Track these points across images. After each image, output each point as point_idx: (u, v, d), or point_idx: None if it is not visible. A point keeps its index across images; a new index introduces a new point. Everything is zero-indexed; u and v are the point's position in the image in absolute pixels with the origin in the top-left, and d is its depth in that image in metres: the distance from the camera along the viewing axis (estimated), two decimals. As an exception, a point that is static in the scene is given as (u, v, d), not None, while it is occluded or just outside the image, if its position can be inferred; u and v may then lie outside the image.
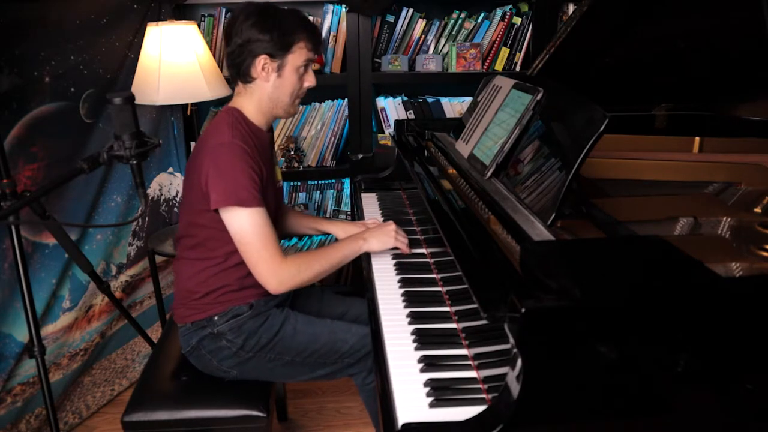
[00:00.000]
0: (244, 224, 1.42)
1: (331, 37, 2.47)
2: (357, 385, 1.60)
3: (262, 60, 1.46)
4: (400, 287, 1.42)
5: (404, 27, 2.51)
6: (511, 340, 0.86)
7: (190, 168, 1.51)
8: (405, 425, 0.95)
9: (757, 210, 1.37)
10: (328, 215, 2.73)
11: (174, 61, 1.97)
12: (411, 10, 2.49)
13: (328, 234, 1.91)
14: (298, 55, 1.48)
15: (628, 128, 1.70)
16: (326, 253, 1.53)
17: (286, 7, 1.51)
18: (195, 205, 1.48)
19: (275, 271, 1.44)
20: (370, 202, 2.02)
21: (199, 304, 1.54)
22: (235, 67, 1.50)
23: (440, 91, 2.66)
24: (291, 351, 1.54)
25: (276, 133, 2.56)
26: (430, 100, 2.60)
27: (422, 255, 1.58)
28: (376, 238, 1.56)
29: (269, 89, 1.50)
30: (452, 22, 2.52)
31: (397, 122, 2.12)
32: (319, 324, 1.58)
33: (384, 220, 1.84)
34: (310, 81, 1.54)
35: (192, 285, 1.55)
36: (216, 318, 1.53)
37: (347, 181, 2.69)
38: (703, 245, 1.20)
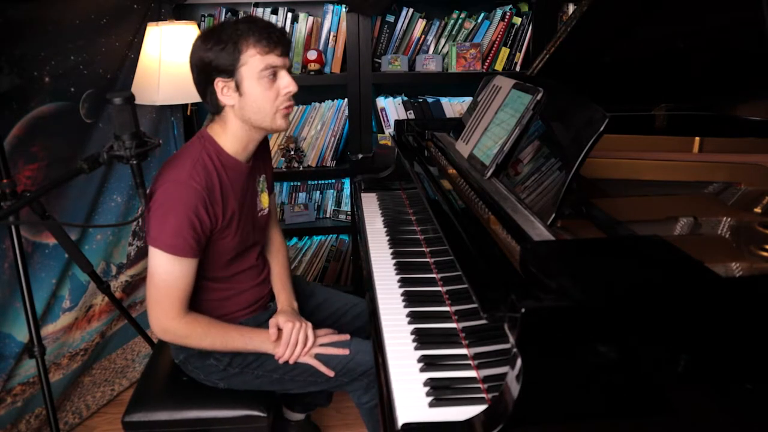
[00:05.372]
0: (159, 267, 1.36)
1: (331, 37, 2.47)
2: (354, 403, 1.57)
3: (219, 83, 1.35)
4: (400, 287, 1.42)
5: (404, 27, 2.51)
6: (511, 339, 0.86)
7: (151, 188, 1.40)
8: (405, 425, 0.95)
9: (757, 210, 1.37)
10: (328, 215, 2.74)
11: (174, 61, 1.97)
12: (411, 10, 2.49)
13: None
14: (252, 65, 1.33)
15: (628, 128, 1.70)
16: (231, 335, 1.46)
17: (242, 17, 1.41)
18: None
19: (166, 323, 1.40)
20: (370, 202, 2.02)
21: None
22: (203, 99, 1.41)
23: (440, 91, 2.66)
24: (279, 369, 1.51)
25: (276, 133, 2.56)
26: (430, 100, 2.60)
27: (422, 255, 1.58)
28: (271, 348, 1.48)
29: (238, 112, 1.38)
30: (452, 22, 2.52)
31: (397, 122, 2.12)
32: None
33: (383, 221, 1.84)
34: (286, 86, 1.37)
35: None
36: None
37: (347, 181, 2.69)
38: (703, 245, 1.20)
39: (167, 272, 1.36)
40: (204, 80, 1.38)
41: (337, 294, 1.79)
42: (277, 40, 1.35)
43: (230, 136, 1.43)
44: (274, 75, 1.36)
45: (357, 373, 1.49)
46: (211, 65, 1.34)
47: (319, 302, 1.75)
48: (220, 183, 1.40)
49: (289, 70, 1.40)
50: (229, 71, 1.34)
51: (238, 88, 1.35)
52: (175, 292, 1.38)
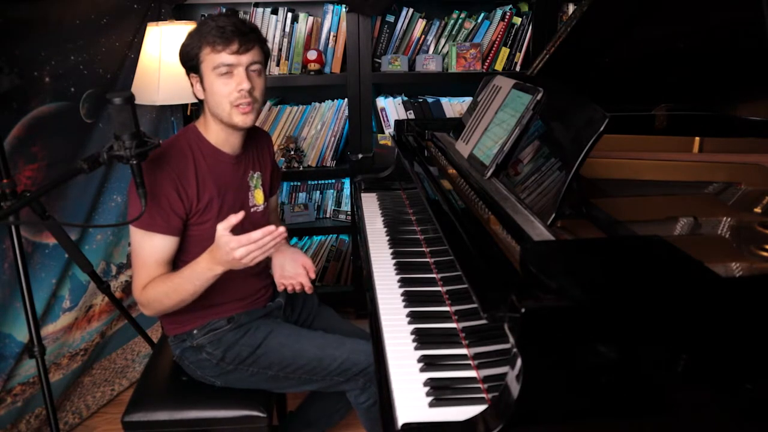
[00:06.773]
0: (134, 243, 1.44)
1: (331, 37, 2.47)
2: (351, 403, 1.57)
3: (192, 78, 1.46)
4: (400, 287, 1.42)
5: (404, 27, 2.51)
6: (511, 340, 0.86)
7: None
8: (405, 425, 0.95)
9: (757, 210, 1.37)
10: (328, 215, 2.74)
11: (174, 61, 1.95)
12: (411, 10, 2.49)
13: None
14: (208, 61, 1.40)
15: (629, 128, 1.70)
16: (181, 284, 1.41)
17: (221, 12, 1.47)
18: None
19: (138, 296, 1.46)
20: (369, 202, 2.02)
21: (180, 319, 1.53)
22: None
23: (440, 91, 2.66)
24: (274, 366, 1.51)
25: (276, 133, 2.56)
26: (430, 100, 2.60)
27: (422, 255, 1.57)
28: (222, 265, 1.38)
29: (207, 105, 1.46)
30: (452, 22, 2.52)
31: (397, 122, 2.12)
32: (308, 338, 1.55)
33: (383, 221, 1.84)
34: (238, 84, 1.39)
35: None
36: (195, 331, 1.53)
37: (347, 181, 2.69)
38: (703, 245, 1.19)
39: (140, 246, 1.43)
40: (186, 73, 1.49)
41: (342, 322, 1.75)
42: (230, 36, 1.37)
43: (210, 128, 1.50)
44: (230, 72, 1.40)
45: (353, 373, 1.50)
46: (182, 60, 1.46)
47: (323, 326, 1.72)
48: (195, 167, 1.46)
49: (253, 66, 1.42)
50: (195, 67, 1.43)
51: (202, 83, 1.44)
52: (144, 266, 1.43)
